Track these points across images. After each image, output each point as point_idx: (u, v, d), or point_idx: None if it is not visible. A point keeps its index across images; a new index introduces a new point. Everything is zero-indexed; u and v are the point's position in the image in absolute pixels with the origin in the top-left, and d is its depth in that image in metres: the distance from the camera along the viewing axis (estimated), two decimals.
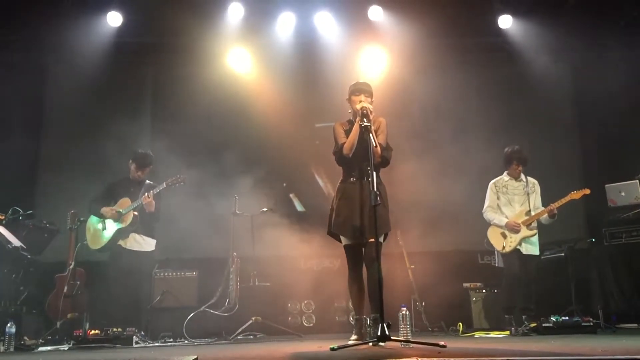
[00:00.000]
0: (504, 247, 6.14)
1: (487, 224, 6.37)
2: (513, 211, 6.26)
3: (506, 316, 6.12)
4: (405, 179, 6.67)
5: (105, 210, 6.22)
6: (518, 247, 6.10)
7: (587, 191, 6.14)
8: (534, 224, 6.17)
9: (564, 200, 6.07)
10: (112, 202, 6.28)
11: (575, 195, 6.10)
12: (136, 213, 6.11)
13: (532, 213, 6.18)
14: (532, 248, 6.15)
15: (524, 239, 6.12)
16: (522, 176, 6.37)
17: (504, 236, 6.19)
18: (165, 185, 6.10)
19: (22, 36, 7.78)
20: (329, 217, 4.66)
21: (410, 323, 4.11)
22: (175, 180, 6.11)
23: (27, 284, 6.55)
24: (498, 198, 6.34)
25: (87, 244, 6.30)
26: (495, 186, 6.40)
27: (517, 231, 6.12)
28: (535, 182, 6.40)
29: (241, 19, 7.77)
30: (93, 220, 6.32)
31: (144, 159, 6.32)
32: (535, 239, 6.17)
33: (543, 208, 6.21)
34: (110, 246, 6.18)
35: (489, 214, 6.35)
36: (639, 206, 6.61)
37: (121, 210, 6.15)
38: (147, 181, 6.35)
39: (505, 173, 6.42)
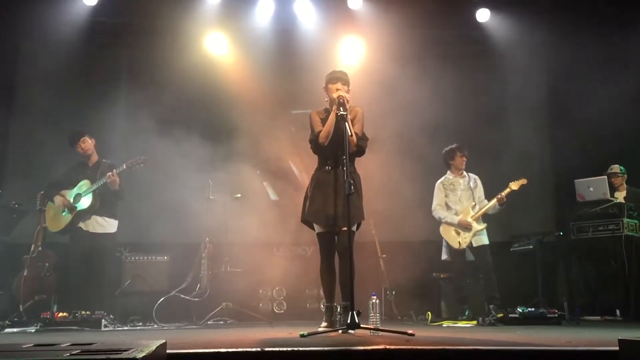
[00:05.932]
0: (460, 244, 6.35)
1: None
2: (463, 207, 6.48)
3: (462, 306, 6.38)
4: (379, 168, 6.71)
5: (58, 200, 6.15)
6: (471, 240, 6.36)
7: (525, 181, 6.43)
8: (481, 217, 6.44)
9: (507, 191, 6.36)
10: (71, 186, 6.21)
11: (514, 185, 6.42)
12: (95, 194, 6.05)
13: (477, 207, 6.42)
14: (482, 239, 6.40)
15: (475, 233, 6.35)
16: (464, 172, 6.63)
17: (458, 233, 6.40)
18: (125, 167, 6.04)
19: None
20: (303, 204, 4.67)
21: (380, 311, 4.15)
22: (135, 162, 6.05)
23: None
24: (446, 196, 6.60)
25: (46, 226, 6.22)
26: (443, 185, 6.66)
27: (469, 229, 6.33)
28: (476, 177, 6.70)
29: (219, 2, 7.68)
30: (52, 203, 6.24)
31: (73, 136, 6.31)
32: (484, 230, 6.41)
33: (486, 201, 6.49)
34: (70, 229, 6.12)
35: (439, 212, 6.59)
36: (606, 201, 6.75)
37: (80, 192, 6.09)
38: (104, 160, 6.31)
39: (448, 172, 6.71)
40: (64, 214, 6.13)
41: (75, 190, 6.16)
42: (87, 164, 6.31)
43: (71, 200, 6.13)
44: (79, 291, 5.91)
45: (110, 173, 5.97)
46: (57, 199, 6.16)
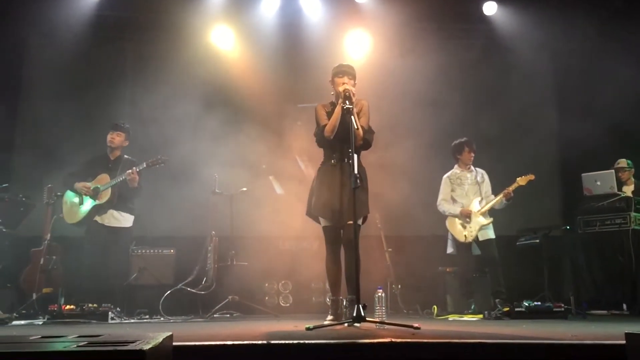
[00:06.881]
0: (465, 237, 6.36)
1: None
2: (470, 201, 6.49)
3: (468, 300, 6.39)
4: (385, 162, 6.70)
5: (78, 186, 6.15)
6: (477, 234, 6.35)
7: (532, 177, 6.42)
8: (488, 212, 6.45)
9: (514, 186, 6.35)
10: (90, 178, 6.21)
11: (522, 181, 6.42)
12: (114, 189, 6.07)
13: (484, 201, 6.42)
14: (487, 233, 6.40)
15: (481, 227, 6.34)
16: (472, 167, 6.63)
17: (464, 226, 6.40)
18: (145, 165, 6.06)
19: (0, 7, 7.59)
20: (309, 198, 4.67)
21: (385, 305, 4.16)
22: (156, 161, 6.08)
23: (1, 258, 6.47)
24: (453, 190, 6.61)
25: (62, 217, 6.24)
26: (450, 179, 6.66)
27: (469, 216, 6.35)
28: (484, 172, 6.70)
29: None
30: (70, 194, 6.25)
31: (115, 125, 6.34)
32: (490, 224, 6.40)
33: (493, 196, 6.48)
34: (86, 221, 6.13)
35: (443, 206, 6.61)
36: (613, 195, 6.72)
37: (99, 186, 6.10)
38: (125, 156, 6.31)
39: (455, 166, 6.69)
40: (81, 206, 6.15)
41: (93, 183, 6.17)
42: (109, 157, 6.31)
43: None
44: (90, 284, 5.93)
45: (130, 170, 5.98)
46: (79, 186, 6.16)
